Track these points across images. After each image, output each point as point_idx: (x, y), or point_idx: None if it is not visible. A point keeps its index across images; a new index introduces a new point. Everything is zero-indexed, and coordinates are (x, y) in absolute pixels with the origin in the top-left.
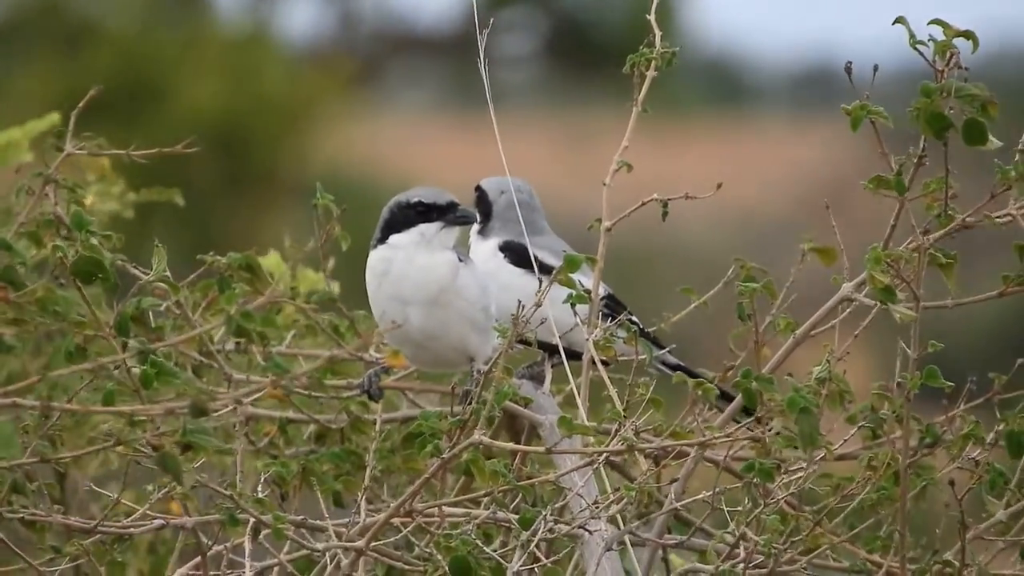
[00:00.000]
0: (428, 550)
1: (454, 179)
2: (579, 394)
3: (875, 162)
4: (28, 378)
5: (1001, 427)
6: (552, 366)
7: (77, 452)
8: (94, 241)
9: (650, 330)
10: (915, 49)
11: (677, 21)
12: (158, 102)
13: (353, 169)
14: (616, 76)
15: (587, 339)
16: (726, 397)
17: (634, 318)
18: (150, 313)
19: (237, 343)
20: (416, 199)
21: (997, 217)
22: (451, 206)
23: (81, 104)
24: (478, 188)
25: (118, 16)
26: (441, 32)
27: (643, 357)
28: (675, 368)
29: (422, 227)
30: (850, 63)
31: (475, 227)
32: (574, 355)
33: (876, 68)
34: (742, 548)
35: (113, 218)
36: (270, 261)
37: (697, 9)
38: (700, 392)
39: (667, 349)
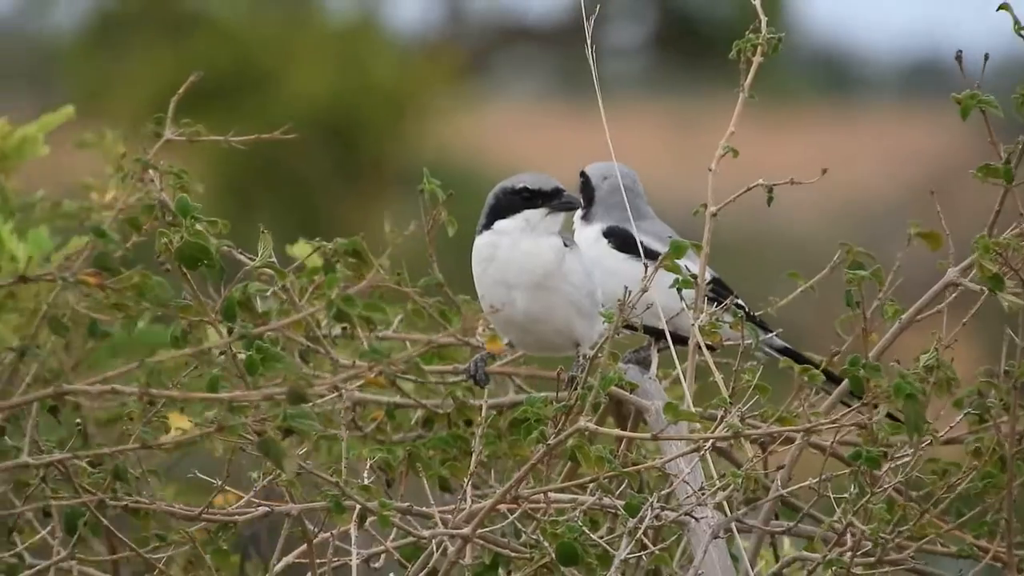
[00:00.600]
0: (535, 537)
1: (561, 167)
2: (685, 379)
3: (982, 150)
4: (66, 374)
5: None
6: (659, 351)
7: (180, 439)
8: (199, 227)
9: (756, 314)
10: (1020, 35)
11: (784, 9)
12: (265, 90)
13: (460, 158)
14: (723, 66)
15: (693, 324)
16: (834, 379)
17: (740, 302)
18: (256, 298)
19: (343, 328)
20: (521, 185)
21: None
22: (556, 192)
23: (181, 90)
24: (582, 174)
25: (226, 4)
26: (549, 22)
27: (749, 342)
28: (782, 351)
29: (527, 213)
30: (960, 52)
31: (578, 212)
32: (681, 340)
33: (987, 57)
34: (849, 536)
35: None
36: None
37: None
38: (807, 378)
39: (774, 333)
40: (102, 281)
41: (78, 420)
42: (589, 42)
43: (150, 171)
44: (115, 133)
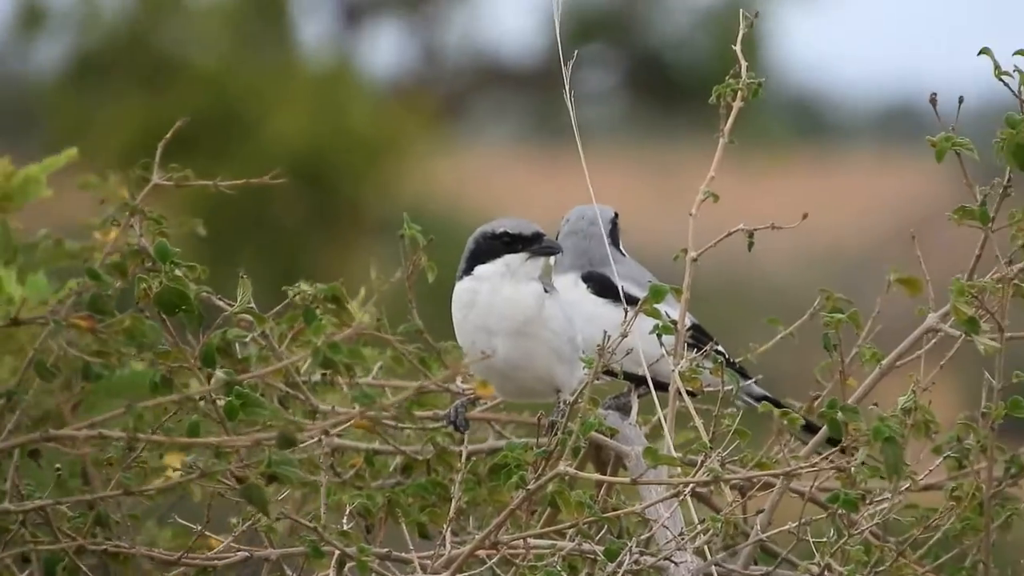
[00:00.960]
0: None
1: (539, 212)
2: (665, 425)
3: (961, 195)
4: (63, 415)
5: None
6: (639, 397)
7: (162, 485)
8: (178, 272)
9: (736, 361)
10: (1000, 80)
11: (761, 55)
12: (244, 136)
13: (438, 203)
14: (698, 111)
15: (673, 370)
16: (811, 429)
17: (720, 348)
18: (236, 345)
19: (323, 375)
20: (501, 230)
21: None
22: (536, 237)
23: (168, 135)
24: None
25: (204, 50)
26: (525, 66)
27: (729, 388)
28: (761, 399)
29: (507, 258)
30: (935, 94)
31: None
32: (661, 386)
33: (961, 100)
34: None
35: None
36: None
37: (781, 44)
38: (786, 422)
39: (752, 380)
40: (94, 324)
41: (58, 466)
42: (567, 86)
43: (133, 216)
44: (117, 176)
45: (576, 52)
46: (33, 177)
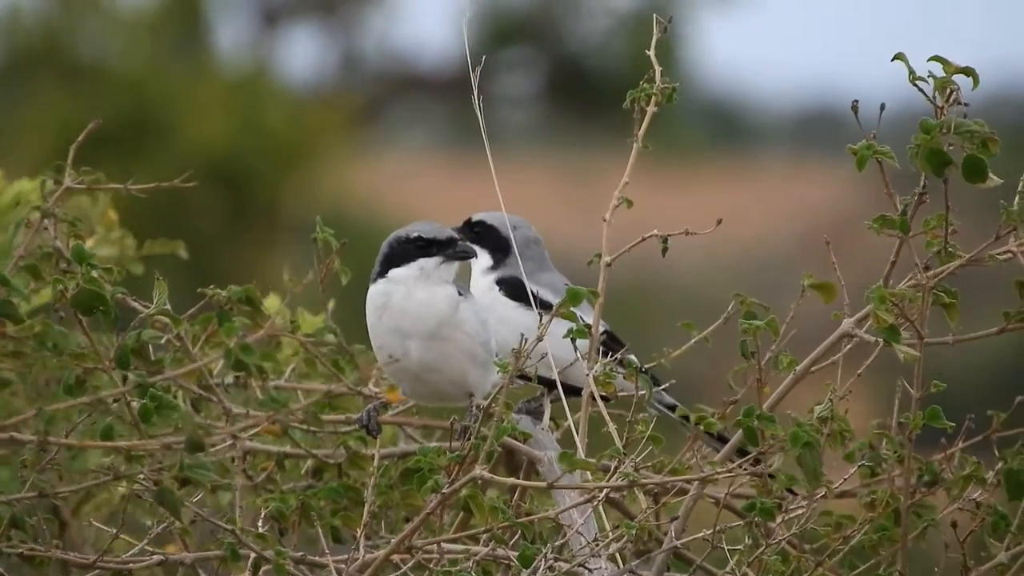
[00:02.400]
0: None
1: (454, 218)
2: (577, 430)
3: (875, 200)
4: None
5: (1000, 466)
6: (551, 401)
7: (76, 487)
8: (95, 274)
9: (648, 367)
10: (915, 85)
11: (677, 60)
12: (161, 139)
13: (354, 208)
14: (616, 117)
15: (587, 375)
16: (721, 439)
17: (632, 356)
18: (150, 346)
19: (236, 377)
20: (416, 234)
21: (998, 254)
22: (450, 241)
23: (80, 137)
24: (480, 224)
25: (122, 54)
26: (442, 72)
27: (643, 393)
28: (672, 408)
29: (421, 261)
30: (856, 101)
31: (484, 262)
32: (573, 390)
33: (883, 107)
34: None
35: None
36: (270, 303)
37: (697, 49)
38: (702, 426)
39: (664, 386)
40: (3, 330)
41: None
42: (475, 92)
43: (46, 219)
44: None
45: (484, 58)
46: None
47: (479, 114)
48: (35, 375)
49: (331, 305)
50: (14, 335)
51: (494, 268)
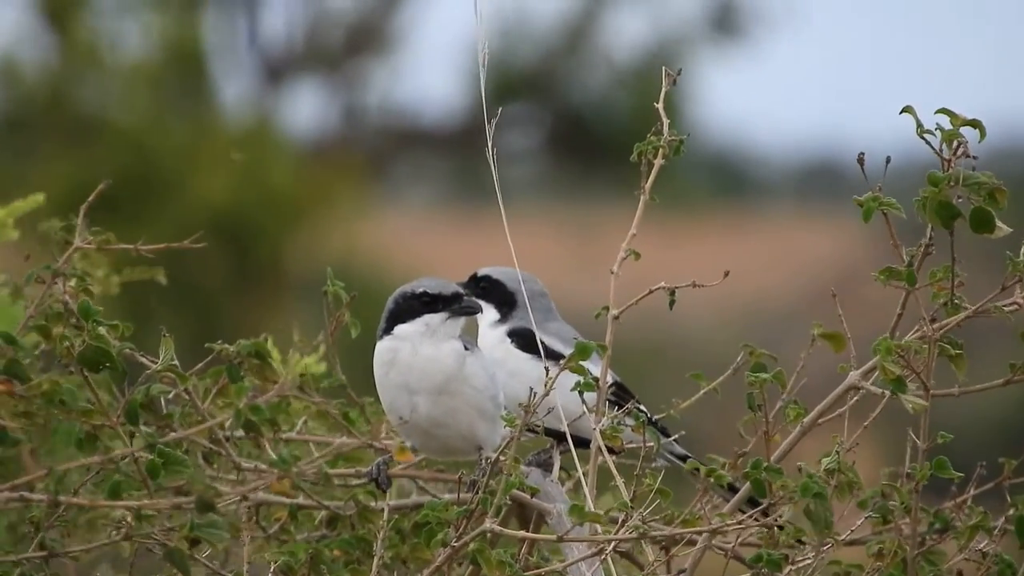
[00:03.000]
0: None
1: (459, 272)
2: (586, 483)
3: (881, 252)
4: (30, 469)
5: (1011, 512)
6: (560, 453)
7: (86, 546)
8: (101, 330)
9: (657, 418)
10: (922, 138)
11: (682, 114)
12: (165, 196)
13: (359, 263)
14: (620, 170)
15: (594, 428)
16: (732, 489)
17: (642, 407)
18: (162, 400)
19: (246, 431)
20: (421, 290)
21: (1004, 305)
22: (456, 296)
23: (91, 198)
24: (486, 279)
25: (125, 110)
26: (445, 127)
27: (651, 446)
28: (682, 459)
29: (427, 317)
30: (862, 154)
31: (490, 316)
32: (582, 442)
33: (888, 160)
34: None
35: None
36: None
37: (701, 103)
38: (712, 479)
39: (673, 438)
40: (12, 388)
41: None
42: (490, 144)
43: (56, 278)
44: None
45: (500, 110)
46: (1, 221)
47: (493, 167)
48: (44, 434)
49: (321, 350)
50: (22, 394)
51: (501, 322)
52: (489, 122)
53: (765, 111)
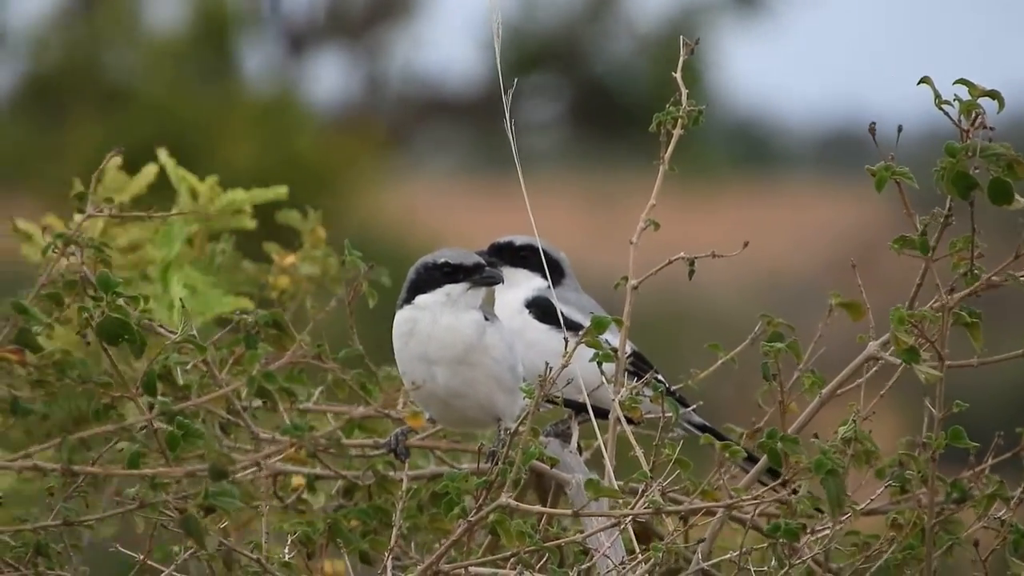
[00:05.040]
0: None
1: (480, 242)
2: (606, 453)
3: (902, 223)
4: (39, 437)
5: None
6: (579, 424)
7: (102, 515)
8: (120, 302)
9: (676, 389)
10: (940, 109)
11: (703, 84)
12: (192, 166)
13: (381, 233)
14: (641, 140)
15: (613, 398)
16: (751, 459)
17: (660, 377)
18: (177, 371)
19: (264, 400)
20: (443, 260)
21: (1021, 276)
22: (477, 267)
23: (103, 163)
24: (526, 246)
25: (150, 79)
26: (466, 97)
27: (670, 415)
28: (701, 428)
29: (448, 287)
30: (874, 123)
31: (536, 283)
32: (601, 413)
33: (900, 129)
34: None
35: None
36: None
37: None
38: (727, 454)
39: (692, 407)
40: (23, 358)
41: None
42: (508, 115)
43: (71, 246)
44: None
45: (516, 81)
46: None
47: (511, 139)
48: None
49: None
50: (35, 364)
51: (549, 289)
52: (506, 93)
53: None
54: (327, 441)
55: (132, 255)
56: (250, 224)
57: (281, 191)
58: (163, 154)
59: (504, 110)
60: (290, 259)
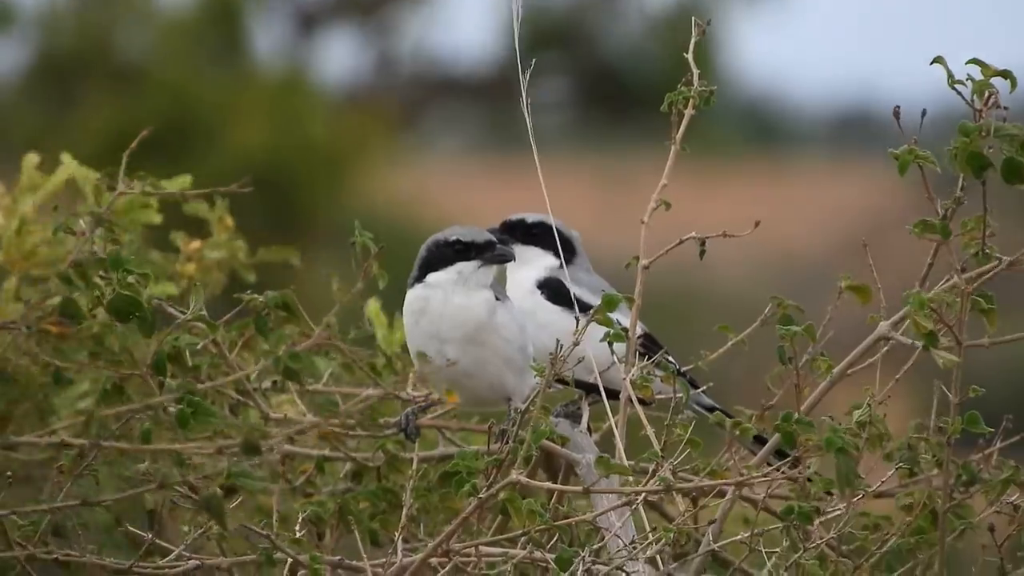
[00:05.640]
0: None
1: (491, 220)
2: (617, 433)
3: (912, 203)
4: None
5: None
6: (589, 405)
7: (119, 495)
8: (131, 280)
9: (686, 370)
10: (954, 89)
11: (714, 64)
12: (204, 144)
13: (392, 212)
14: (651, 120)
15: (624, 378)
16: (759, 440)
17: (670, 357)
18: (187, 351)
19: (274, 382)
20: (454, 238)
21: None
22: (489, 245)
23: (133, 144)
24: (538, 224)
25: (162, 58)
26: (477, 76)
27: (680, 396)
28: (710, 409)
29: (460, 265)
30: (898, 107)
31: (548, 262)
32: (612, 394)
33: (924, 112)
34: None
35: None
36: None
37: (734, 51)
38: (738, 433)
39: (702, 389)
40: (65, 330)
41: (9, 473)
42: (524, 94)
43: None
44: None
45: (534, 60)
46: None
47: (527, 117)
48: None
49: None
50: (73, 335)
51: (562, 268)
52: (524, 72)
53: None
54: (359, 418)
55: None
56: (156, 218)
57: (185, 180)
58: (67, 158)
59: (520, 90)
60: (195, 244)
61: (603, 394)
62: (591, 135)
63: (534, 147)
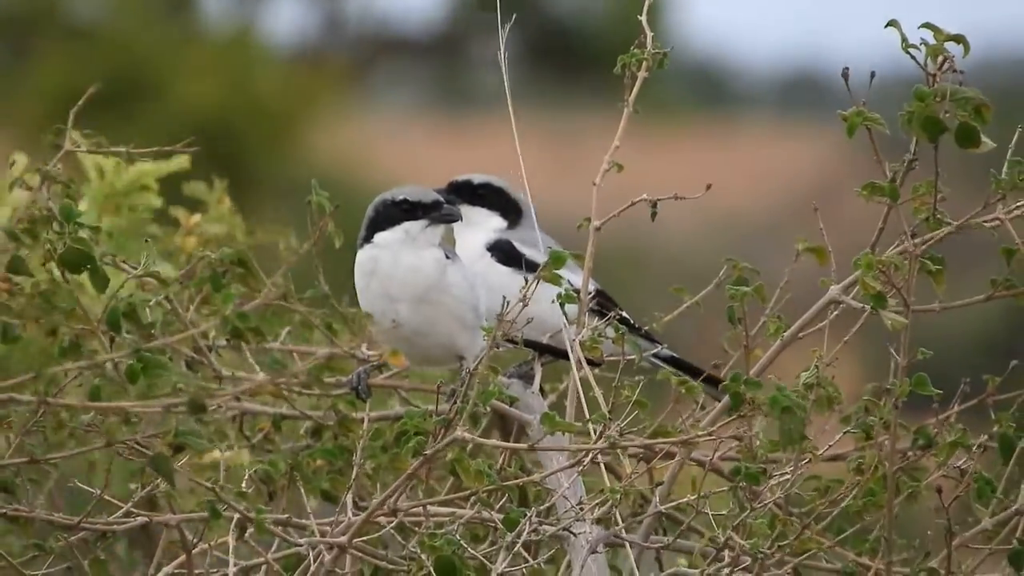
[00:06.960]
0: (414, 549)
1: (438, 178)
2: (569, 394)
3: (860, 165)
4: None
5: (995, 429)
6: (542, 365)
7: (68, 452)
8: (83, 234)
9: (644, 327)
10: (907, 53)
11: (663, 23)
12: (153, 101)
13: (339, 169)
14: (600, 79)
15: (573, 339)
16: (717, 383)
17: (625, 315)
18: (146, 310)
19: (228, 340)
20: (401, 197)
21: (985, 222)
22: (436, 204)
23: (80, 102)
24: (484, 185)
25: (113, 16)
26: (425, 35)
27: (631, 358)
28: (669, 360)
29: (407, 225)
30: (847, 69)
31: (495, 223)
32: (565, 354)
33: (873, 75)
34: (726, 553)
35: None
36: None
37: (683, 12)
38: (683, 390)
39: (663, 346)
40: (11, 287)
41: None
42: (503, 50)
43: (46, 181)
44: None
45: (514, 16)
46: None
47: (504, 75)
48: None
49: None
50: (18, 291)
51: (508, 229)
52: (503, 27)
53: (747, 22)
54: (306, 376)
55: None
56: (156, 201)
57: (184, 162)
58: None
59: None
60: (195, 219)
61: (555, 354)
62: (539, 93)
63: (511, 106)
